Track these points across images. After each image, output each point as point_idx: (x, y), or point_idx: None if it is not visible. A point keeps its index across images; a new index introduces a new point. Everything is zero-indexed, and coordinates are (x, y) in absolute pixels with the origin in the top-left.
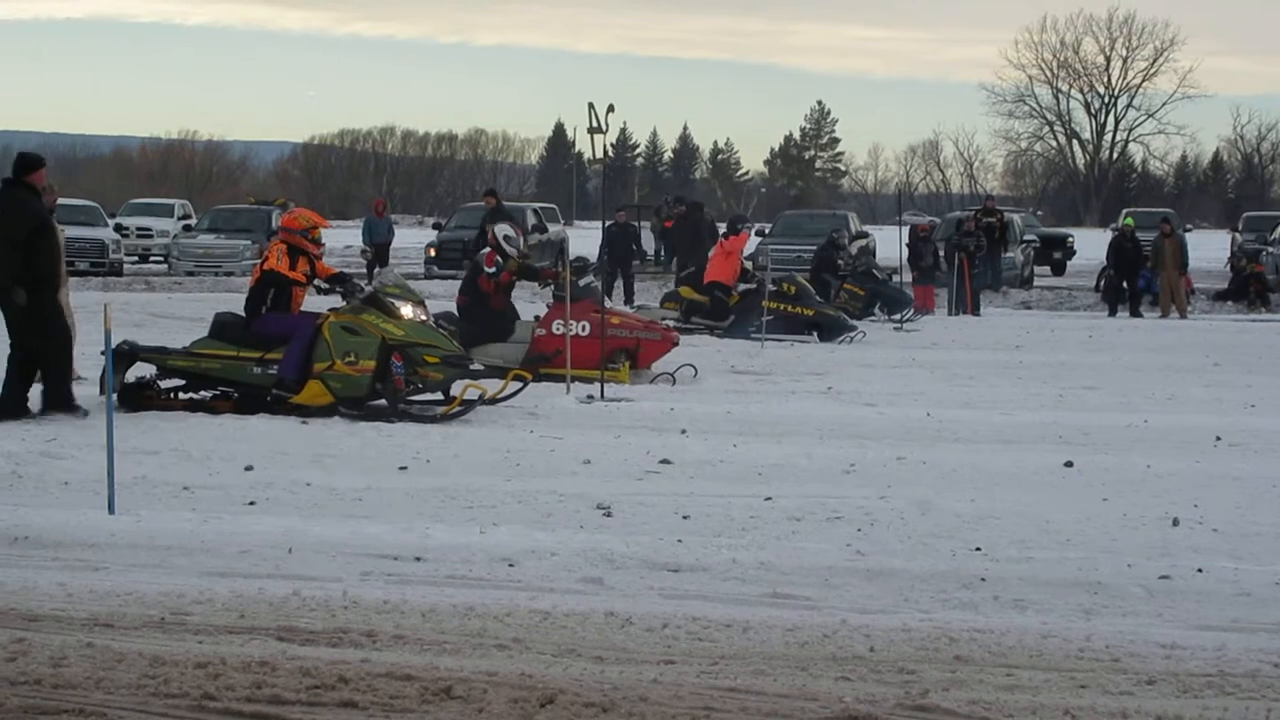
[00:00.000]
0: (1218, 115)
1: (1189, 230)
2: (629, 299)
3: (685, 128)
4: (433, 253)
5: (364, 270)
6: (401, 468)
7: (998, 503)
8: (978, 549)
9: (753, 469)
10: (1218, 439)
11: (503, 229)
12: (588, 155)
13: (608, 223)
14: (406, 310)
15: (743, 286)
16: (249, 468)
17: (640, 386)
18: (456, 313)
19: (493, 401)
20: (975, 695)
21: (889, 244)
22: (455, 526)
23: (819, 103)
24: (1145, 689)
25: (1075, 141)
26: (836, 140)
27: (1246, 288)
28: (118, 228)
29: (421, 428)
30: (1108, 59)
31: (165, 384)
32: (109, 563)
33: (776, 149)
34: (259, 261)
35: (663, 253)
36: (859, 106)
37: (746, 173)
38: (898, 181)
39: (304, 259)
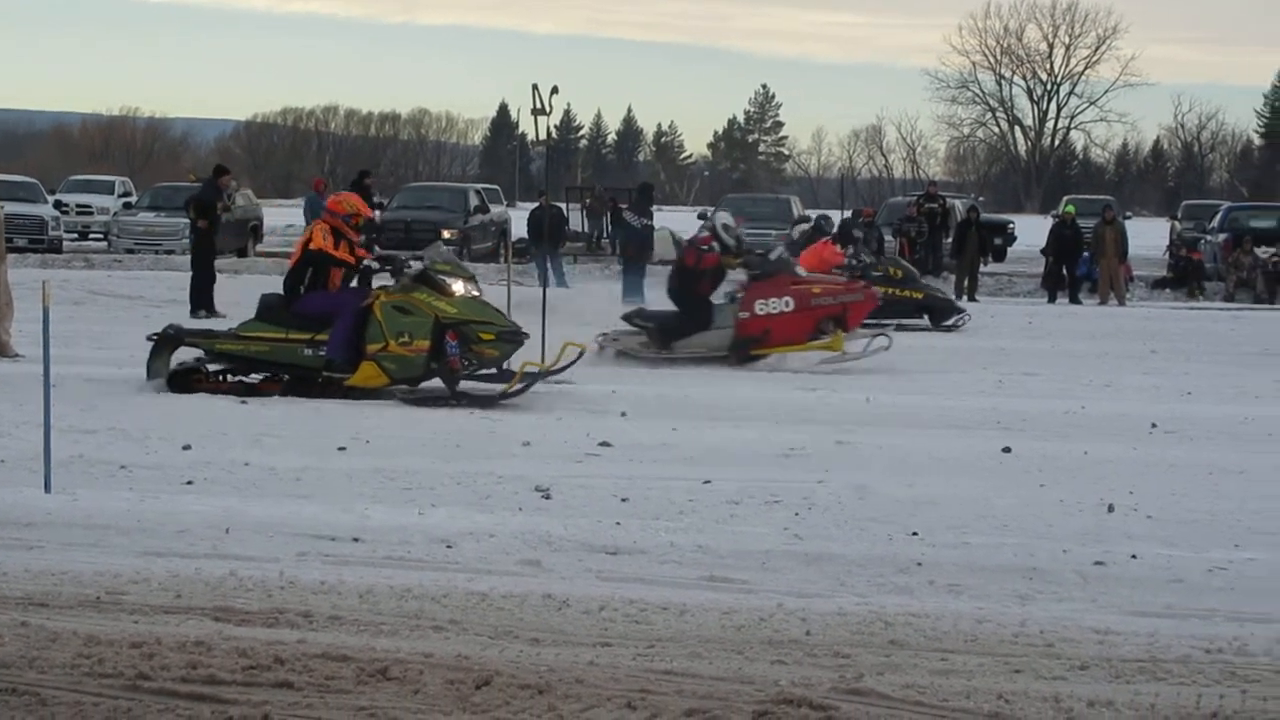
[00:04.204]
0: (1159, 103)
1: (1129, 218)
2: (560, 281)
3: (630, 110)
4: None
5: None
6: (341, 448)
7: (936, 488)
8: (915, 534)
9: (692, 452)
10: (1154, 426)
11: (722, 217)
12: (531, 136)
13: (534, 205)
14: (458, 287)
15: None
16: (187, 447)
17: (586, 369)
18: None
19: (550, 374)
20: (910, 679)
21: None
22: (394, 507)
23: (763, 86)
24: (1078, 674)
25: (1017, 128)
26: (780, 124)
27: (1185, 276)
28: (57, 204)
29: (359, 407)
30: (1051, 46)
31: (213, 367)
32: (44, 541)
33: (720, 132)
34: (302, 240)
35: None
36: (804, 91)
37: (690, 155)
38: (841, 166)
39: (344, 242)
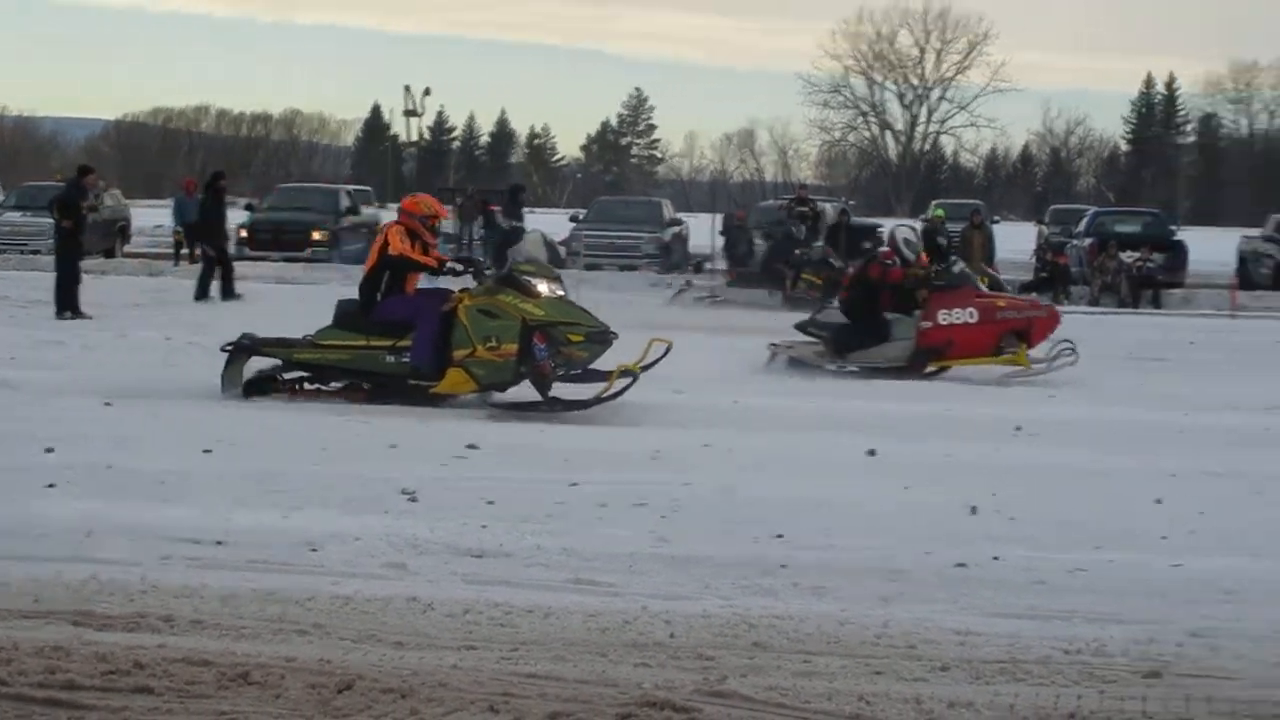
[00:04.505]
0: (1028, 109)
1: (997, 222)
2: None
3: (503, 112)
4: (244, 234)
5: (171, 251)
6: (206, 450)
7: (801, 490)
8: (780, 536)
9: (559, 454)
10: (1018, 428)
11: (903, 232)
12: (403, 138)
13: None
14: (543, 287)
15: None
16: (49, 450)
17: None
18: (840, 307)
19: (643, 371)
20: (773, 681)
21: (701, 233)
22: (258, 510)
23: (637, 89)
24: (939, 675)
25: (888, 132)
26: (653, 127)
27: (1051, 280)
28: None
29: (225, 408)
30: (922, 51)
31: (289, 375)
32: None
33: (593, 135)
34: (378, 244)
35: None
36: (677, 94)
37: (563, 158)
38: (713, 170)
39: (419, 244)
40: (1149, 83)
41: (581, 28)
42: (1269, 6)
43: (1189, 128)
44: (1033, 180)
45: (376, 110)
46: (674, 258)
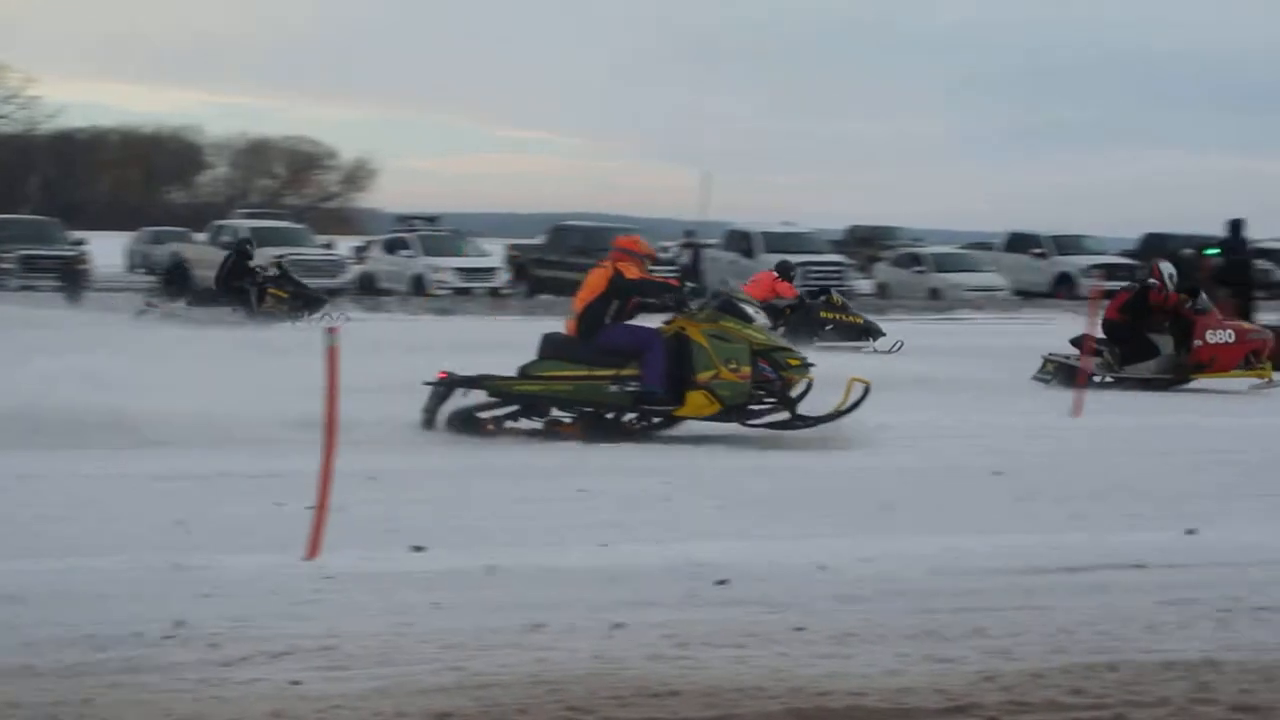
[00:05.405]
0: None
1: None
2: None
3: None
4: None
5: None
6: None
7: None
8: None
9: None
10: None
11: (1167, 267)
12: None
13: None
14: (755, 315)
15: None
16: None
17: None
18: (1103, 327)
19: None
20: None
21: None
22: None
23: None
24: None
25: None
26: None
27: None
28: None
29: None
30: None
31: (494, 413)
32: None
33: None
34: (599, 276)
35: None
36: None
37: None
38: None
39: None
40: None
41: None
42: None
43: None
44: None
45: None
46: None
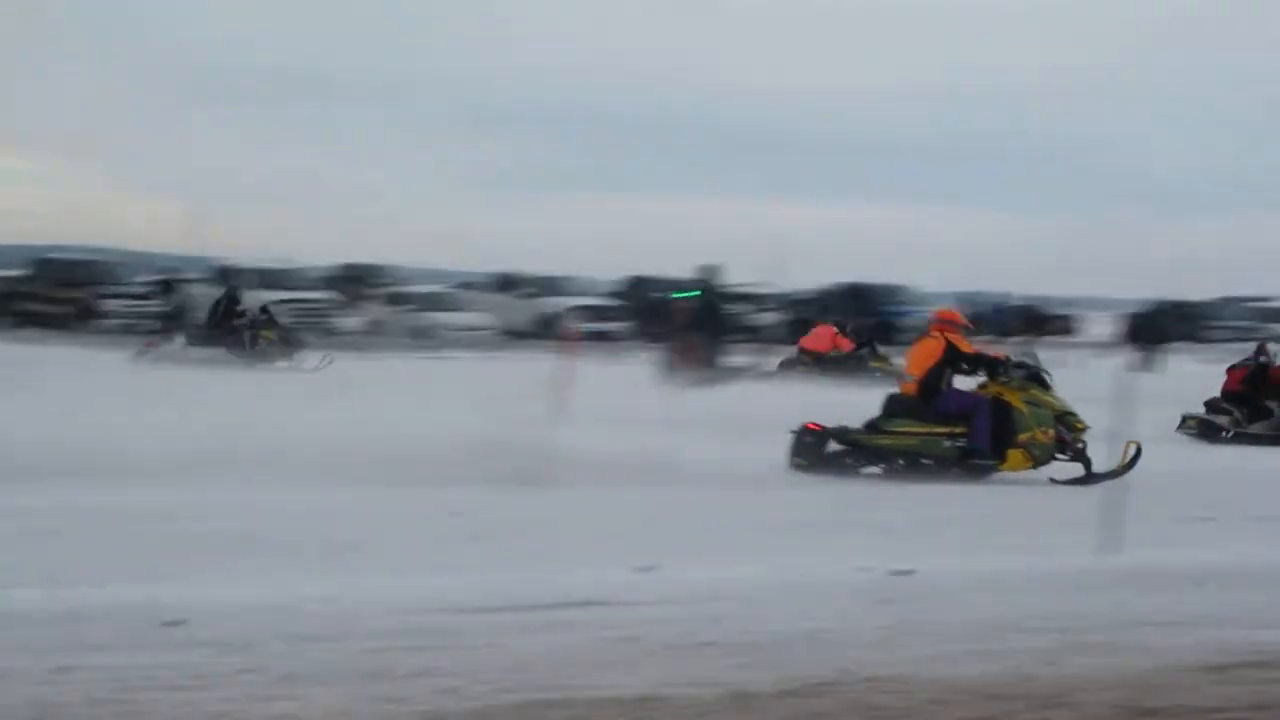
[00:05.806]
0: None
1: None
2: None
3: None
4: None
5: None
6: None
7: None
8: None
9: None
10: None
11: (1275, 348)
12: None
13: None
14: (1053, 385)
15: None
16: None
17: None
18: (1223, 395)
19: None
20: None
21: None
22: None
23: None
24: None
25: None
26: None
27: None
28: None
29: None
30: None
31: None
32: None
33: None
34: (931, 347)
35: None
36: None
37: None
38: None
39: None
40: None
41: None
42: None
43: None
44: None
45: None
46: None
